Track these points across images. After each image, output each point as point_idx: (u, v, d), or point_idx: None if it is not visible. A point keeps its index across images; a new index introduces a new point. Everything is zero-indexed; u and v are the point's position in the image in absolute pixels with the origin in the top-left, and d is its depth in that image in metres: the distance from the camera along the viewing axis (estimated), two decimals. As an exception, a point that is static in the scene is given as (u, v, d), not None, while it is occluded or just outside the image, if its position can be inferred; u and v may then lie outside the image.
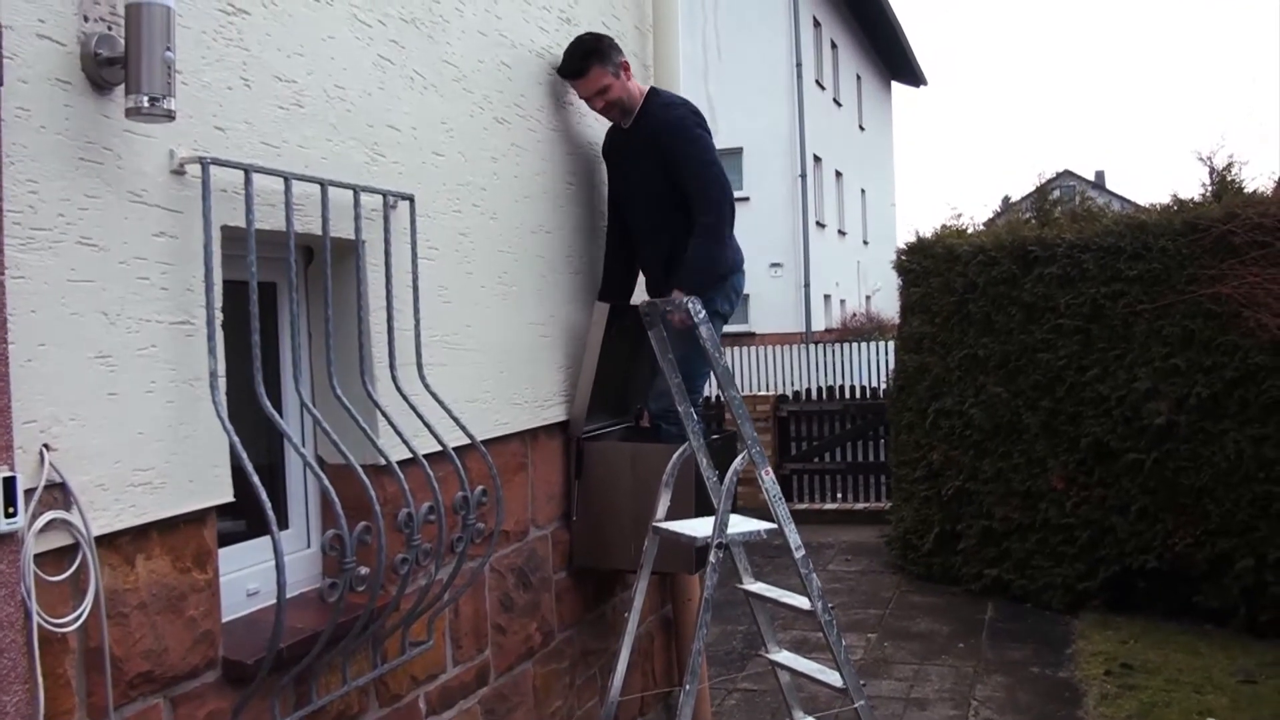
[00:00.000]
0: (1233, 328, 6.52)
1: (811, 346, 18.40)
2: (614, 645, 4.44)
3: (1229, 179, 7.27)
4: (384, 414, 2.73)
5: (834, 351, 17.63)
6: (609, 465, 4.02)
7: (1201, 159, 7.39)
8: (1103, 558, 7.07)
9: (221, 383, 2.33)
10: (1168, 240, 6.78)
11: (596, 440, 4.13)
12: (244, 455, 2.23)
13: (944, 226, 8.24)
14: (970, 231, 8.14)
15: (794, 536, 3.42)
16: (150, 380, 2.22)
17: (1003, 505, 7.56)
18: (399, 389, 2.83)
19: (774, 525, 3.45)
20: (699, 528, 3.53)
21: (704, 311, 3.36)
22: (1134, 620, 6.85)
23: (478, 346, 3.42)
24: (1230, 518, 6.54)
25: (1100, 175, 55.20)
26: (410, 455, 2.72)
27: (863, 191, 32.50)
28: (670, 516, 3.68)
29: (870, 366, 17.21)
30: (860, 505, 10.83)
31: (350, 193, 2.70)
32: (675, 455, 3.65)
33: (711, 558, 3.30)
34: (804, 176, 25.33)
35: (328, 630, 2.40)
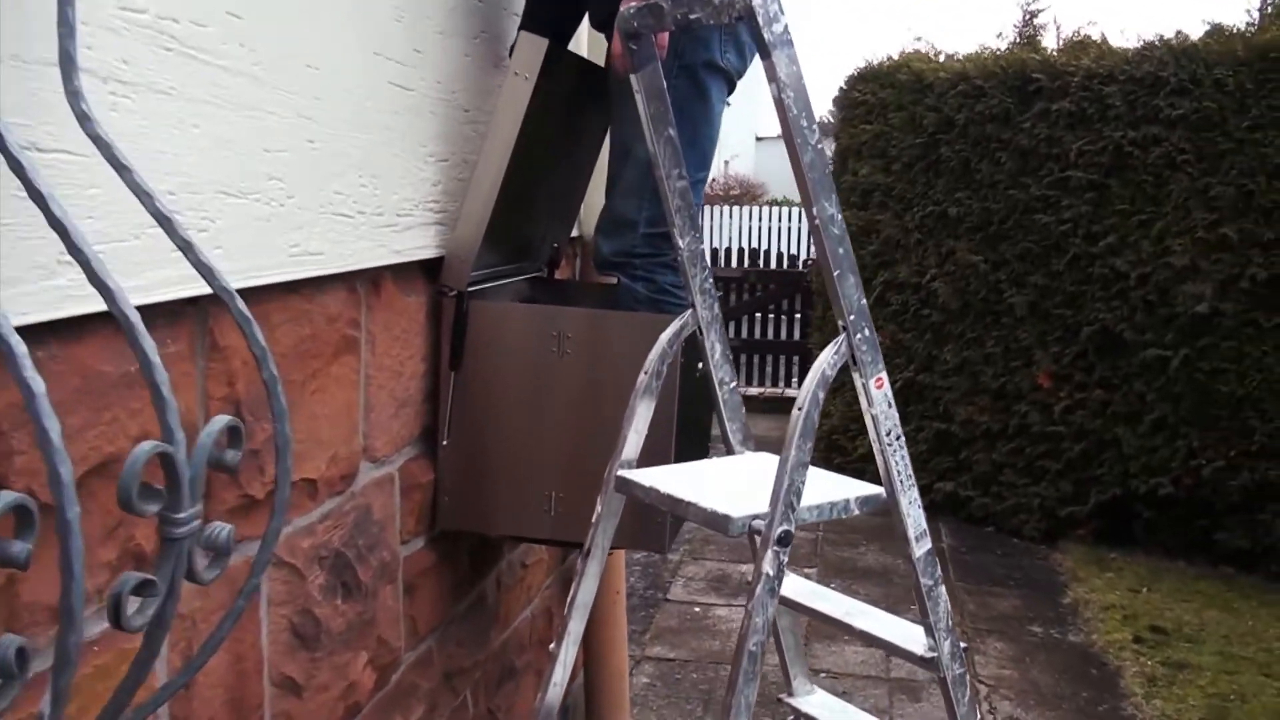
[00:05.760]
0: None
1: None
2: (492, 647, 2.64)
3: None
4: None
5: (709, 215, 15.86)
6: (517, 346, 2.16)
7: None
8: (1098, 478, 5.57)
9: None
10: (1224, 71, 5.16)
11: (492, 300, 2.25)
12: None
13: (912, 50, 6.46)
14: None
15: (915, 517, 1.65)
16: None
17: (966, 405, 5.99)
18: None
19: (878, 491, 1.68)
20: (717, 490, 1.73)
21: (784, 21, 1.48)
22: (1133, 558, 5.42)
23: (256, 72, 1.48)
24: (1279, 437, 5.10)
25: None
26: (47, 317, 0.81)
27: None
28: (643, 450, 1.86)
29: (750, 233, 15.56)
30: (755, 390, 9.17)
31: None
32: (669, 332, 1.80)
33: (768, 565, 1.51)
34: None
35: None
